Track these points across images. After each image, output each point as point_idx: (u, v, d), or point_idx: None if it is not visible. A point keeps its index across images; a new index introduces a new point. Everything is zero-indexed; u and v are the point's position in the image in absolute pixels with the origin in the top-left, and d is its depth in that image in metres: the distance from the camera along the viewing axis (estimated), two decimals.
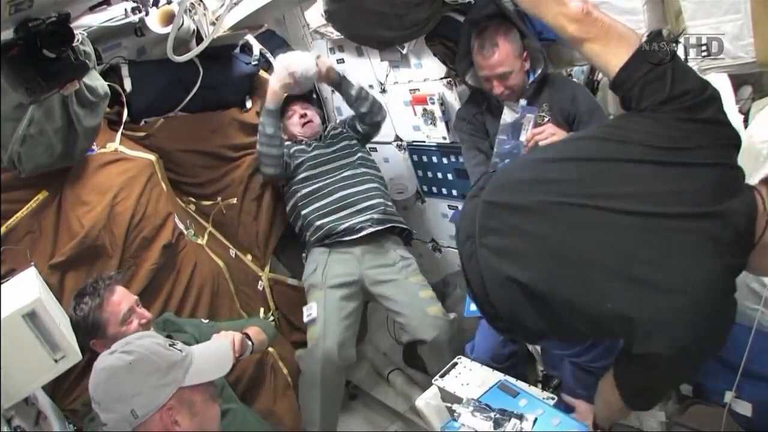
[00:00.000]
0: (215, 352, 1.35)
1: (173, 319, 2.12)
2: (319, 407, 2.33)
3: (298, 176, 2.63)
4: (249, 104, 2.88)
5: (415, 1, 2.15)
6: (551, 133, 1.92)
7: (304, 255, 2.68)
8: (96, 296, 1.83)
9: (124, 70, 2.49)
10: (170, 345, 1.27)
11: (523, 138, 2.01)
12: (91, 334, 1.83)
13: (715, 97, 1.20)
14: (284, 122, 2.75)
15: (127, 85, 2.48)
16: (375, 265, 2.49)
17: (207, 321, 2.19)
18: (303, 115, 2.76)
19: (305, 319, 2.41)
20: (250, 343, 1.88)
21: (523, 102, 2.10)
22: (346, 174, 2.63)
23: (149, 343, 1.26)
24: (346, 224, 2.50)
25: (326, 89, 3.16)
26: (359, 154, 2.72)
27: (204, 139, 2.69)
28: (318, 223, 2.54)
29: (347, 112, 3.10)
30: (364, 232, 2.49)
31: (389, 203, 2.66)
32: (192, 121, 2.69)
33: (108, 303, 1.83)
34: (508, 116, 2.07)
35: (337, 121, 3.07)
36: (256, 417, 1.98)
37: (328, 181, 2.61)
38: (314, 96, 3.17)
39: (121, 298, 1.87)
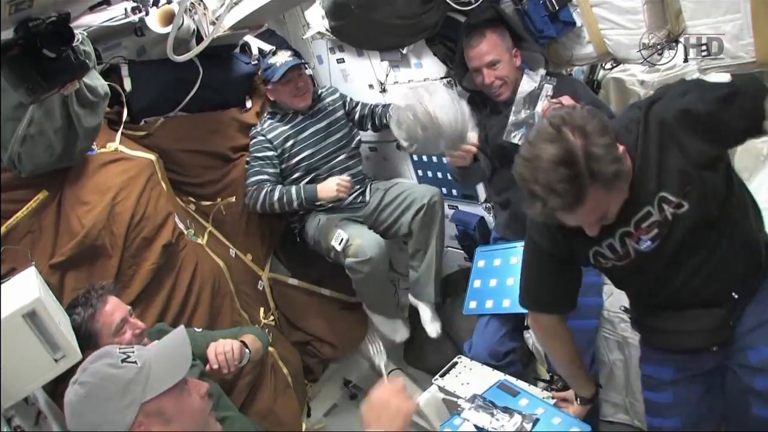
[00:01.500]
0: (171, 355, 1.27)
1: (167, 329, 2.06)
2: (383, 293, 2.82)
3: (293, 166, 2.67)
4: (249, 104, 2.89)
5: (424, 9, 2.16)
6: (570, 105, 1.90)
7: (294, 225, 2.81)
8: (88, 307, 1.79)
9: (124, 70, 2.49)
10: (124, 360, 1.21)
11: (539, 108, 2.00)
12: (84, 345, 1.74)
13: None
14: (277, 86, 2.63)
15: (127, 84, 2.48)
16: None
17: (200, 329, 2.11)
18: (300, 87, 2.65)
19: (339, 247, 2.56)
20: (247, 351, 1.87)
21: (542, 71, 2.09)
22: (341, 158, 2.74)
23: (100, 367, 1.21)
24: (347, 201, 2.73)
25: (325, 82, 3.16)
26: (346, 128, 2.79)
27: (204, 139, 2.70)
28: (319, 203, 2.69)
29: None
30: (361, 204, 2.78)
31: (366, 170, 2.92)
32: (192, 121, 2.70)
33: (101, 314, 1.79)
34: (526, 84, 2.06)
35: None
36: (254, 425, 1.96)
37: (326, 162, 2.70)
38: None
39: (114, 308, 1.82)
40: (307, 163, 2.66)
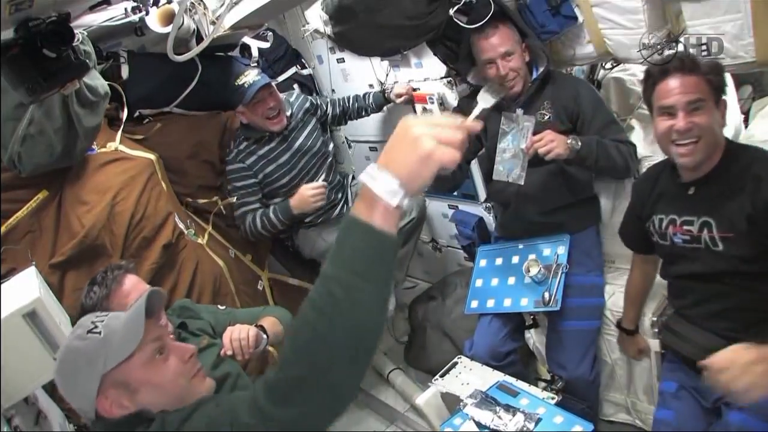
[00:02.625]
0: (131, 322, 1.21)
1: (190, 305, 2.08)
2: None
3: (276, 190, 2.62)
4: None
5: (429, 9, 2.14)
6: (550, 140, 1.93)
7: (284, 236, 2.83)
8: (104, 286, 1.80)
9: (123, 59, 2.46)
10: (90, 331, 1.19)
11: (523, 145, 2.03)
12: None
13: None
14: (247, 108, 2.49)
15: (125, 72, 2.45)
16: None
17: (223, 308, 2.14)
18: (272, 108, 2.52)
19: None
20: (265, 336, 1.84)
21: (519, 111, 2.12)
22: (323, 171, 2.70)
23: (70, 340, 1.21)
24: (333, 214, 2.75)
25: (326, 88, 3.16)
26: (322, 137, 2.76)
27: (199, 148, 2.68)
28: (308, 220, 2.71)
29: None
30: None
31: (345, 175, 2.90)
32: (187, 126, 2.67)
33: (115, 294, 1.79)
34: (506, 125, 2.09)
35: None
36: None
37: (307, 181, 2.62)
38: (314, 95, 3.17)
39: (131, 289, 1.82)
40: (289, 187, 2.59)
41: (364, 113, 2.84)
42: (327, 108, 2.82)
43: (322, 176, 2.69)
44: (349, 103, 2.84)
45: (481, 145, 2.32)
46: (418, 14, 2.14)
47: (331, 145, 2.82)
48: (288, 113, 2.62)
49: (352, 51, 2.53)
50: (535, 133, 1.99)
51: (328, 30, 2.33)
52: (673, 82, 1.52)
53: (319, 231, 2.74)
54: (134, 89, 2.49)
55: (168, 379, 1.19)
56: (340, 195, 2.78)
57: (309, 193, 2.48)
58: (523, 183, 2.09)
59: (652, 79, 1.58)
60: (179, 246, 2.34)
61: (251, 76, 2.49)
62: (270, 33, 3.01)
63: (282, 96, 2.67)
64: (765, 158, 1.52)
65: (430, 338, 2.89)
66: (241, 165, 2.56)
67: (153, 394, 1.16)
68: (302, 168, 2.64)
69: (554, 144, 1.92)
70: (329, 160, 2.75)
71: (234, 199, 2.61)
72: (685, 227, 1.62)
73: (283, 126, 2.58)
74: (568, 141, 1.96)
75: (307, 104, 2.75)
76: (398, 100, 2.63)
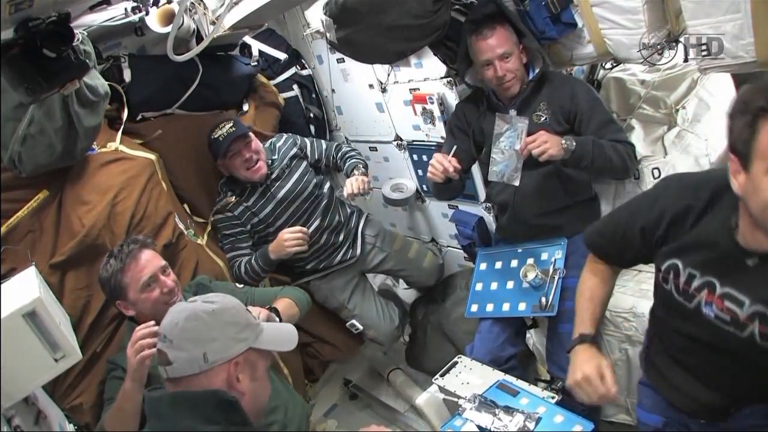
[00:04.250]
0: (283, 329, 1.41)
1: (206, 282, 2.14)
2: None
3: (269, 236, 2.57)
4: (246, 107, 2.88)
5: (435, 8, 2.12)
6: (544, 141, 1.93)
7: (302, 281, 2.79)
8: (119, 260, 1.85)
9: (124, 62, 2.47)
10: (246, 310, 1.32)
11: (517, 147, 2.03)
12: (115, 295, 1.88)
13: None
14: (225, 160, 2.49)
15: (127, 76, 2.45)
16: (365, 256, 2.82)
17: (241, 286, 2.22)
18: (248, 159, 2.49)
19: (355, 331, 2.83)
20: (277, 319, 1.87)
21: (512, 112, 2.12)
22: (318, 209, 2.65)
23: (231, 299, 1.30)
24: (337, 258, 2.74)
25: (326, 88, 3.17)
26: (315, 179, 2.69)
27: (201, 148, 2.65)
28: (309, 266, 2.72)
29: (347, 112, 3.12)
30: (353, 259, 2.76)
31: (352, 213, 2.83)
32: (188, 126, 2.66)
33: (129, 269, 1.85)
34: (499, 127, 2.09)
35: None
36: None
37: (305, 225, 2.57)
38: (313, 96, 3.17)
39: (145, 264, 1.86)
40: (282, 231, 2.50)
41: (336, 170, 2.85)
42: (317, 156, 2.76)
43: (317, 221, 2.62)
44: (333, 157, 2.78)
45: (479, 153, 2.33)
46: (425, 13, 2.11)
47: (327, 186, 2.74)
48: (270, 160, 2.59)
49: (356, 57, 2.41)
50: (530, 134, 1.99)
51: (331, 36, 2.24)
52: None
53: (329, 284, 2.72)
54: (136, 93, 2.49)
55: (268, 386, 1.32)
56: (341, 237, 2.70)
57: (285, 236, 2.42)
58: (517, 184, 2.09)
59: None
60: (179, 246, 2.34)
61: (225, 129, 2.47)
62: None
63: (270, 141, 2.70)
64: None
65: (430, 339, 2.89)
66: (229, 214, 2.55)
67: (257, 390, 1.29)
68: (292, 214, 2.59)
69: (548, 145, 1.92)
70: (324, 202, 2.67)
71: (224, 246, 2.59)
72: (727, 304, 1.24)
73: (264, 173, 2.53)
74: (563, 141, 1.95)
75: (295, 149, 2.70)
76: (345, 196, 2.52)
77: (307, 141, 2.79)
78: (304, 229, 2.47)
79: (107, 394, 1.84)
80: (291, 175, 2.63)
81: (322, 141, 2.87)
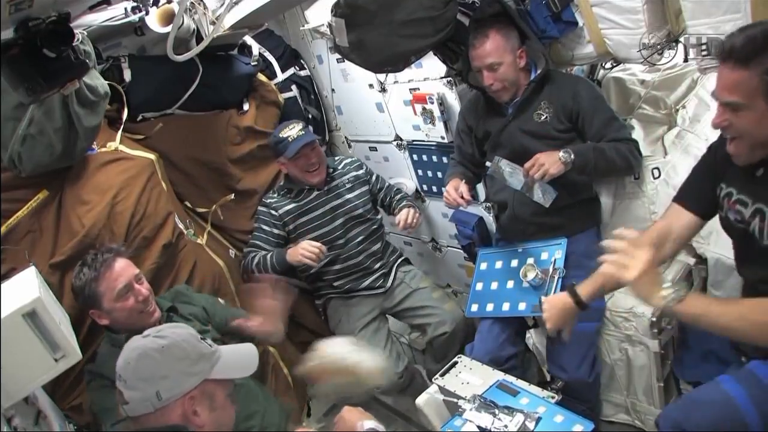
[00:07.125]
0: (242, 354, 1.37)
1: (185, 291, 2.14)
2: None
3: (306, 233, 2.59)
4: (246, 106, 2.88)
5: (446, 1, 2.08)
6: (541, 164, 1.94)
7: (318, 303, 2.79)
8: (93, 269, 1.83)
9: (125, 63, 2.46)
10: (201, 338, 1.30)
11: (516, 185, 2.08)
12: (89, 304, 1.86)
13: None
14: (288, 160, 2.53)
15: (127, 76, 2.45)
16: (392, 291, 2.75)
17: (223, 302, 2.24)
18: (313, 163, 2.56)
19: None
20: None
21: (495, 159, 2.12)
22: (366, 230, 2.67)
23: (182, 332, 1.30)
24: (365, 283, 2.69)
25: (326, 88, 3.17)
26: (370, 205, 2.72)
27: (200, 148, 2.68)
28: (336, 284, 2.68)
29: (347, 111, 3.12)
30: (381, 289, 2.71)
31: (393, 250, 2.84)
32: (188, 126, 2.67)
33: (104, 278, 1.83)
34: (493, 173, 2.14)
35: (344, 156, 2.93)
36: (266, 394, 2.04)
37: (341, 241, 2.61)
38: (312, 96, 3.17)
39: (120, 273, 1.85)
40: (321, 241, 2.51)
41: (387, 210, 2.84)
42: (380, 191, 2.80)
43: (360, 238, 2.64)
44: (391, 196, 2.80)
45: (483, 157, 2.35)
46: (436, 4, 2.07)
47: (379, 217, 2.78)
48: (332, 168, 2.66)
49: (367, 63, 2.25)
50: (531, 135, 2.02)
51: (341, 39, 2.13)
52: (719, 74, 1.40)
53: (349, 308, 2.70)
54: (136, 92, 2.49)
55: (231, 412, 1.32)
56: (377, 265, 2.70)
57: (304, 244, 2.44)
58: (552, 199, 2.09)
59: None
60: (179, 246, 2.34)
61: (295, 131, 2.52)
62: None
63: (338, 156, 2.83)
64: None
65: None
66: (272, 212, 2.59)
67: (219, 419, 1.28)
68: (336, 227, 2.61)
69: (546, 166, 1.93)
70: (373, 227, 2.70)
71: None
72: (737, 206, 1.50)
73: (322, 179, 2.61)
74: (561, 156, 1.96)
75: (361, 171, 2.75)
76: (397, 222, 2.56)
77: (374, 172, 2.85)
78: (325, 248, 2.46)
79: (98, 406, 1.77)
80: (350, 191, 2.67)
81: (385, 180, 2.90)
